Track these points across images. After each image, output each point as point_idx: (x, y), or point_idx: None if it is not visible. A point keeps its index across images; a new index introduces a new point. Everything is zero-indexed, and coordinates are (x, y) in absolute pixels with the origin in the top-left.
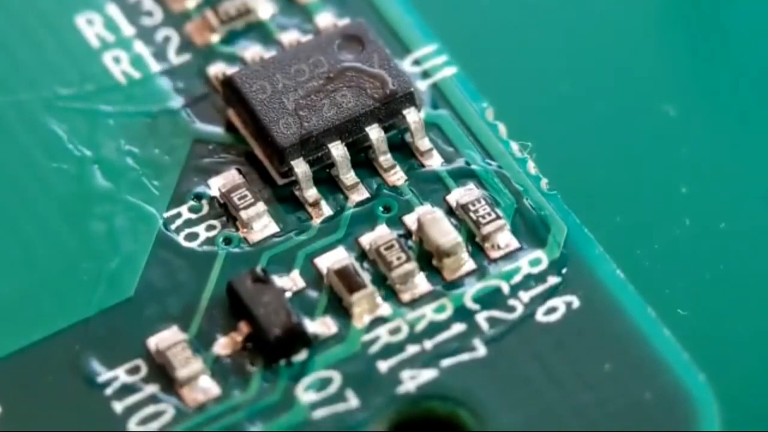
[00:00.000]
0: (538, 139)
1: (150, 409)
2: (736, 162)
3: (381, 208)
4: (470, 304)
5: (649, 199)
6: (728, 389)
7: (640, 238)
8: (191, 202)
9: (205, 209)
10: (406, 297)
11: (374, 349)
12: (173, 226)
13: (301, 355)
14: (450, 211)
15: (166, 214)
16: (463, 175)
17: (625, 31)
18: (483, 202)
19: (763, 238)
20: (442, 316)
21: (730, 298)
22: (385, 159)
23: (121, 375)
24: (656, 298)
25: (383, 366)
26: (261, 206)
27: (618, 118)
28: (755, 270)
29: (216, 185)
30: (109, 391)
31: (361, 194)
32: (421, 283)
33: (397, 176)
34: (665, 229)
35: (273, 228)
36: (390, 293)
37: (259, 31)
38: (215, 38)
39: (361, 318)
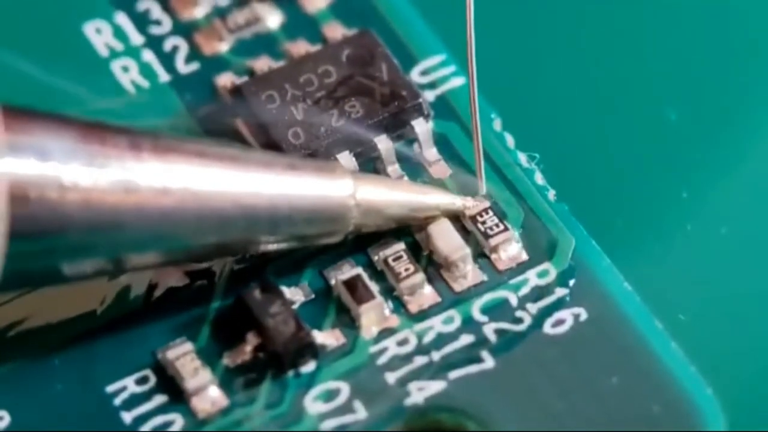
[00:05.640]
0: (546, 149)
1: (159, 420)
2: (738, 166)
3: None
4: (478, 315)
5: (651, 204)
6: (735, 403)
7: (642, 243)
8: None
9: None
10: (414, 308)
11: (382, 360)
12: None
13: (310, 366)
14: (458, 222)
15: None
16: (471, 186)
17: (627, 39)
18: (491, 213)
19: (765, 242)
20: (450, 328)
21: (733, 308)
22: (393, 169)
23: (129, 385)
24: (658, 304)
25: (391, 377)
26: None
27: (625, 128)
28: (757, 275)
29: None
30: (117, 401)
31: None
32: (429, 295)
33: None
34: (666, 234)
35: None
36: (398, 304)
37: (268, 41)
38: (224, 47)
39: (369, 329)
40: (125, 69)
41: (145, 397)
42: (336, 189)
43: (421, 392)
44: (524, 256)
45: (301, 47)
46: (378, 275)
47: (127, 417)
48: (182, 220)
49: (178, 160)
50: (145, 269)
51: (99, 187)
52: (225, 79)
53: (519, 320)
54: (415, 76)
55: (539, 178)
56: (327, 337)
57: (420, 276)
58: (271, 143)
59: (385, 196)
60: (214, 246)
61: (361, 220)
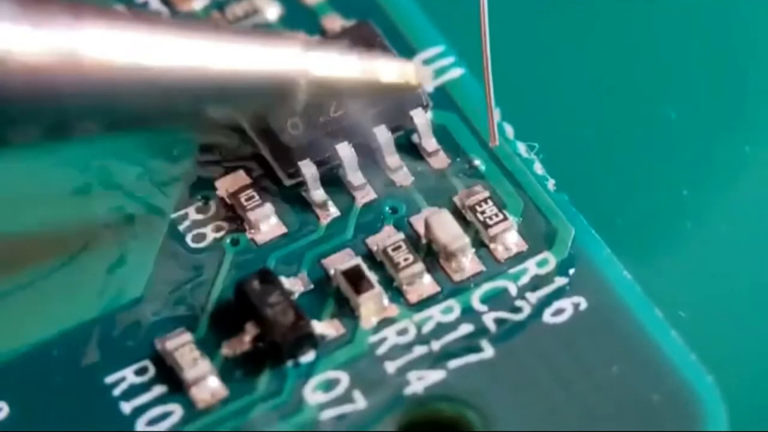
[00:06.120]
0: (545, 140)
1: (158, 410)
2: (738, 164)
3: (388, 209)
4: (477, 305)
5: (650, 202)
6: (736, 391)
7: (641, 233)
8: (198, 203)
9: (213, 210)
10: (413, 298)
11: (381, 350)
12: (181, 227)
13: (309, 356)
14: (457, 212)
15: (174, 215)
16: (470, 176)
17: (628, 34)
18: (490, 203)
19: (764, 239)
20: (450, 317)
21: (733, 300)
22: (393, 160)
23: (129, 376)
24: (658, 294)
25: (390, 367)
26: (268, 207)
27: (625, 122)
28: (757, 272)
29: (223, 186)
30: (117, 391)
31: (368, 195)
32: (429, 284)
33: (404, 177)
34: (666, 232)
35: (280, 229)
36: (397, 294)
37: None
38: None
39: (368, 319)
40: None
41: (145, 387)
42: (286, 62)
43: (420, 382)
44: (524, 246)
45: None
46: (377, 265)
47: (126, 407)
48: (126, 86)
49: (122, 28)
50: (93, 134)
51: (40, 53)
52: None
53: (518, 309)
54: None
55: (539, 168)
56: (326, 327)
57: (419, 266)
58: (270, 134)
59: (336, 70)
60: (159, 112)
61: (313, 93)
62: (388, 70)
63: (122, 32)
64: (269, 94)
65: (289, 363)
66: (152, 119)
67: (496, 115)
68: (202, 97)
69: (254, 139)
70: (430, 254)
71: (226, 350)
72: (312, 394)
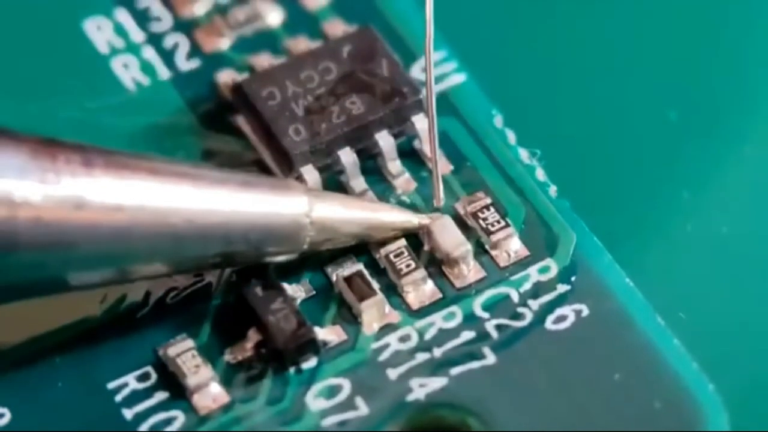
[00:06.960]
0: (547, 146)
1: (160, 417)
2: (739, 166)
3: None
4: (479, 311)
5: (652, 208)
6: (737, 399)
7: (643, 239)
8: None
9: None
10: (415, 304)
11: (384, 356)
12: None
13: (311, 363)
14: (459, 219)
15: None
16: (472, 182)
17: (628, 37)
18: (492, 209)
19: (766, 242)
20: (452, 324)
21: (735, 307)
22: (395, 165)
23: (131, 382)
24: (660, 301)
25: (393, 374)
26: None
27: (626, 127)
28: (758, 275)
29: None
30: (119, 397)
31: None
32: (431, 291)
33: (406, 183)
34: (667, 233)
35: None
36: (399, 301)
37: (269, 38)
38: (224, 45)
39: (370, 325)
40: (126, 66)
41: (147, 393)
42: (291, 207)
43: (422, 388)
44: (525, 252)
45: (301, 44)
46: (379, 271)
47: (128, 414)
48: (135, 237)
49: (131, 177)
50: (98, 286)
51: (50, 204)
52: (226, 76)
53: (520, 316)
54: (415, 72)
55: (540, 175)
56: (328, 334)
57: (421, 272)
58: (272, 140)
59: (340, 215)
60: (167, 263)
61: (317, 238)
62: (391, 220)
63: (131, 181)
64: (274, 242)
65: (291, 369)
66: (161, 266)
67: (498, 121)
68: (209, 243)
69: (256, 145)
70: (432, 261)
71: (228, 357)
72: (314, 401)
